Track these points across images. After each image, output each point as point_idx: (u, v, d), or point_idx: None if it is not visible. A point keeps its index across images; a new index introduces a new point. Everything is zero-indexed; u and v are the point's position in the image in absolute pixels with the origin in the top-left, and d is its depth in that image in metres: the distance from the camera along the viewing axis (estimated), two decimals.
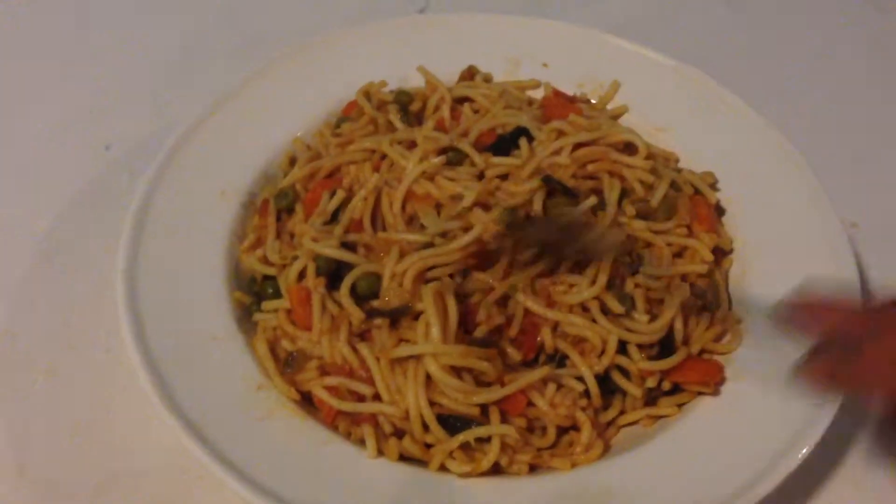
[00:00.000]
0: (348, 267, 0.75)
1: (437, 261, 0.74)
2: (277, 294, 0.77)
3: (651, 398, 0.75)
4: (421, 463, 0.69)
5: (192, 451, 0.64)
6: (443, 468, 0.68)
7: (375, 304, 0.73)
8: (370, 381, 0.70)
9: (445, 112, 0.90)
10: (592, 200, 0.78)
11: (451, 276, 0.74)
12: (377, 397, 0.70)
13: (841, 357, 0.53)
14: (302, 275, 0.75)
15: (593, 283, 0.74)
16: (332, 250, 0.75)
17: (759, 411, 0.71)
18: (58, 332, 0.82)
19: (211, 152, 0.86)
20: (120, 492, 0.72)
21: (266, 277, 0.79)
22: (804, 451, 0.66)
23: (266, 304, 0.77)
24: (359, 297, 0.74)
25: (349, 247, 0.77)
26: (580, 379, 0.72)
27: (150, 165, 0.83)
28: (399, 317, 0.72)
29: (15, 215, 0.93)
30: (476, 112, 0.91)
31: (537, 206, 0.77)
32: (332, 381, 0.71)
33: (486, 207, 0.77)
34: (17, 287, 0.86)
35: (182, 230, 0.80)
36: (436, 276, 0.73)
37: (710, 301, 0.78)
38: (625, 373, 0.73)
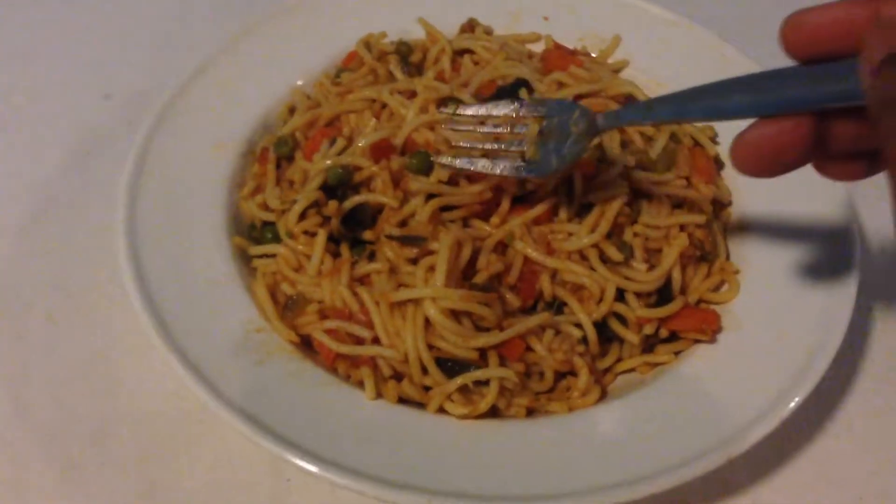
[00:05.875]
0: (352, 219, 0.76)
1: (454, 200, 0.74)
2: (277, 239, 0.77)
3: (648, 346, 0.75)
4: (419, 405, 0.70)
5: (192, 388, 0.64)
6: (441, 410, 0.69)
7: (395, 231, 0.73)
8: (369, 325, 0.70)
9: (446, 63, 0.89)
10: (595, 141, 0.78)
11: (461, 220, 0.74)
12: (376, 340, 0.70)
13: None
14: (302, 217, 0.75)
15: (593, 230, 0.74)
16: (348, 158, 0.76)
17: (756, 359, 0.71)
18: (56, 279, 0.82)
19: (210, 102, 0.86)
20: (119, 436, 0.72)
21: (265, 223, 0.79)
22: (797, 399, 0.66)
23: (254, 249, 0.78)
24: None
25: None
26: (578, 326, 0.72)
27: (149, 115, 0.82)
28: (414, 244, 0.72)
29: (15, 164, 0.93)
30: (476, 64, 0.90)
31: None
32: (331, 324, 0.71)
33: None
34: (15, 236, 0.86)
35: (181, 178, 0.80)
36: (450, 217, 0.74)
37: (708, 251, 0.78)
38: (622, 320, 0.74)
